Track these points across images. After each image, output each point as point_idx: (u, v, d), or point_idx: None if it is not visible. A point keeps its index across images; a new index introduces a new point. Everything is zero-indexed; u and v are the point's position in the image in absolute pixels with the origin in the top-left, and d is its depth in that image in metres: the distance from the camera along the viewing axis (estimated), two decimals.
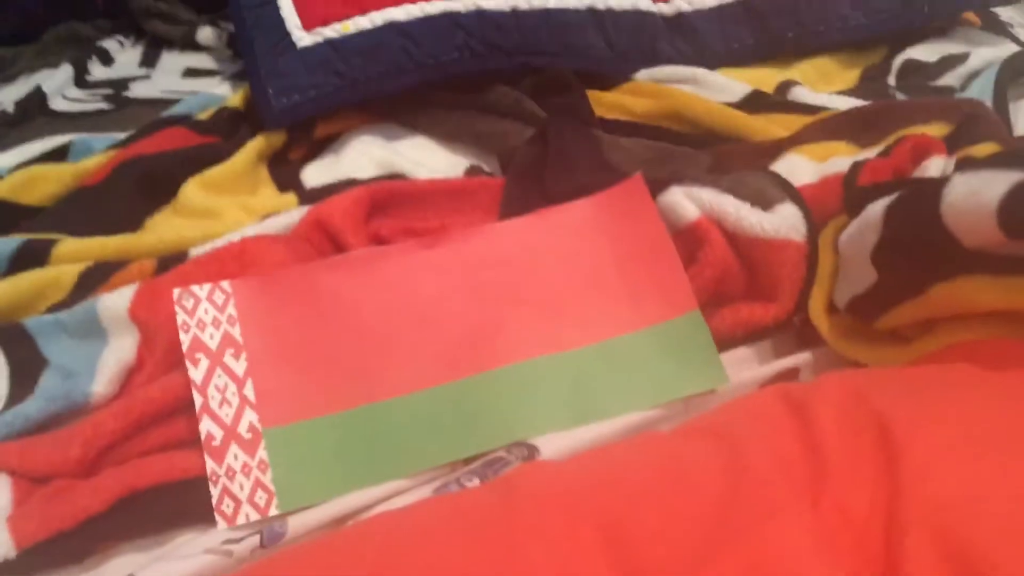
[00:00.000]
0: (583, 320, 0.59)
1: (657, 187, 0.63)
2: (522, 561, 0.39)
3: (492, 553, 0.40)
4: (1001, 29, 1.01)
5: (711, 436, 0.46)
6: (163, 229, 0.76)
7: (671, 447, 0.46)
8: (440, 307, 0.59)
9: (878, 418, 0.42)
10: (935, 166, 0.61)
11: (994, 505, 0.36)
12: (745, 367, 0.60)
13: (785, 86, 0.90)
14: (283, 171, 0.86)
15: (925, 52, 0.96)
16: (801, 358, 0.59)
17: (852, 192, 0.60)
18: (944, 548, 0.35)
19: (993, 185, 0.46)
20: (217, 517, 0.52)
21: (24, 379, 0.62)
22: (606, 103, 0.90)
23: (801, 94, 0.88)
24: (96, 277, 0.68)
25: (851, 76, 0.96)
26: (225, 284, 0.59)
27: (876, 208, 0.53)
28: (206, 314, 0.57)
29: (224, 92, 0.96)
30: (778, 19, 0.97)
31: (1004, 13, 1.05)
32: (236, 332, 0.57)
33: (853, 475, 0.41)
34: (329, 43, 0.86)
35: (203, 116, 0.91)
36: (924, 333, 0.54)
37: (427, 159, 0.84)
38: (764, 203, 0.61)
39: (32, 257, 0.71)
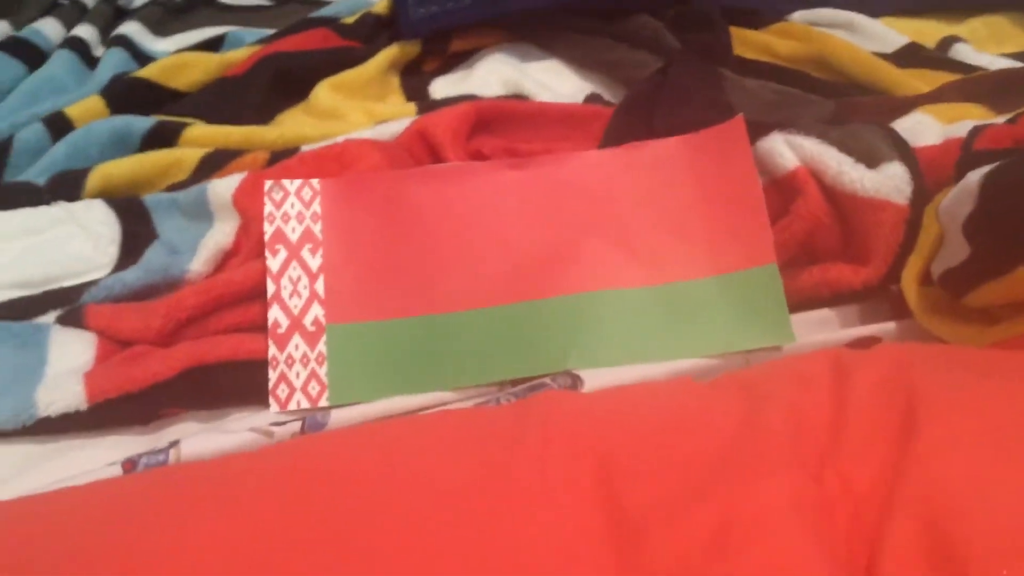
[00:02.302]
0: (655, 259, 0.58)
1: (759, 132, 0.60)
2: (513, 484, 0.39)
3: (486, 471, 0.40)
4: None
5: (740, 390, 0.45)
6: (287, 125, 0.79)
7: (696, 396, 0.45)
8: (516, 229, 0.59)
9: (910, 395, 0.40)
10: None
11: (991, 500, 0.33)
12: (826, 328, 0.58)
13: (947, 42, 0.84)
14: (414, 81, 0.87)
15: None
16: (884, 327, 0.56)
17: (965, 157, 0.56)
18: (928, 535, 0.33)
19: None
20: (271, 400, 0.55)
21: (133, 250, 0.66)
22: (752, 42, 0.86)
23: (963, 51, 0.82)
24: (215, 162, 0.72)
25: None
26: (314, 182, 0.60)
27: (974, 177, 0.49)
28: (292, 208, 0.60)
29: None
30: None
31: None
32: (317, 229, 0.59)
33: (867, 448, 0.39)
34: None
35: (349, 20, 0.93)
36: (1012, 315, 0.50)
37: (554, 83, 0.83)
38: (870, 160, 0.57)
39: (163, 138, 0.75)
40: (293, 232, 0.59)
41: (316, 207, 0.60)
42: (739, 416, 0.42)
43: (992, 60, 0.80)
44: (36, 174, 0.73)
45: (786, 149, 0.59)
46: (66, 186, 0.70)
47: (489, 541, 0.37)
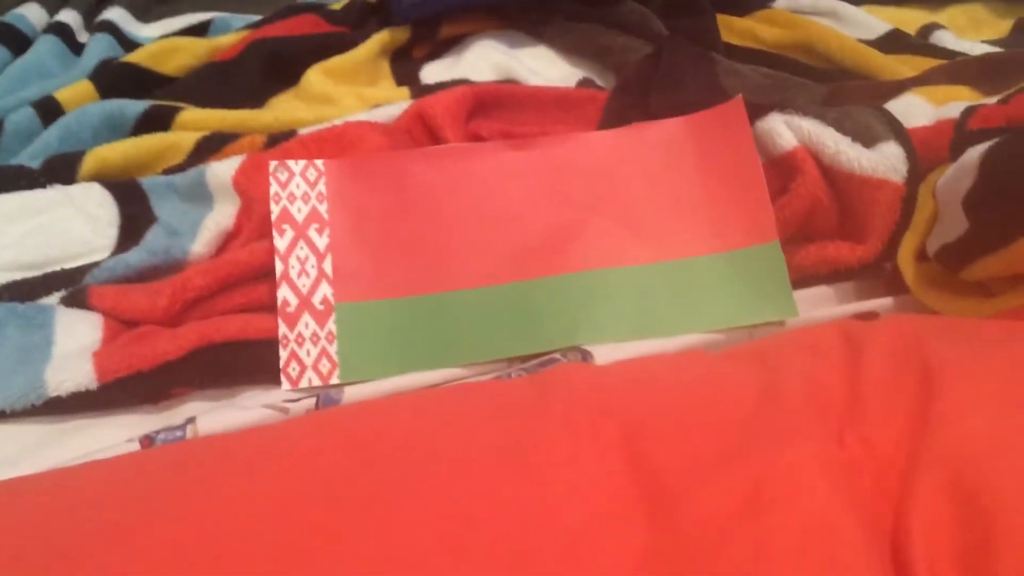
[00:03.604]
0: (659, 236, 0.59)
1: (757, 112, 0.62)
2: (544, 446, 0.40)
3: (516, 437, 0.41)
4: None
5: (754, 359, 0.46)
6: (281, 108, 0.79)
7: (711, 365, 0.46)
8: (520, 208, 0.60)
9: (925, 361, 0.41)
10: None
11: (1015, 454, 0.35)
12: (823, 305, 0.59)
13: (928, 29, 0.86)
14: (404, 67, 0.88)
15: None
16: (882, 303, 0.58)
17: (959, 136, 0.57)
18: (954, 490, 0.34)
19: None
20: (282, 378, 0.55)
21: (132, 232, 0.66)
22: (737, 29, 0.88)
23: (943, 38, 0.84)
24: (211, 146, 0.72)
25: (1003, 26, 0.91)
26: (319, 162, 0.61)
27: (974, 153, 0.50)
28: (297, 188, 0.60)
29: None
30: None
31: None
32: (323, 209, 0.59)
33: (887, 412, 0.40)
34: None
35: (336, 6, 0.93)
36: (1009, 288, 0.52)
37: (544, 69, 0.84)
38: (866, 140, 0.59)
39: (156, 121, 0.75)
40: (299, 212, 0.59)
41: (321, 187, 0.60)
42: (757, 384, 0.43)
43: (972, 46, 0.82)
44: (28, 158, 0.72)
45: (785, 129, 0.60)
46: (61, 169, 0.69)
47: (521, 508, 0.37)
